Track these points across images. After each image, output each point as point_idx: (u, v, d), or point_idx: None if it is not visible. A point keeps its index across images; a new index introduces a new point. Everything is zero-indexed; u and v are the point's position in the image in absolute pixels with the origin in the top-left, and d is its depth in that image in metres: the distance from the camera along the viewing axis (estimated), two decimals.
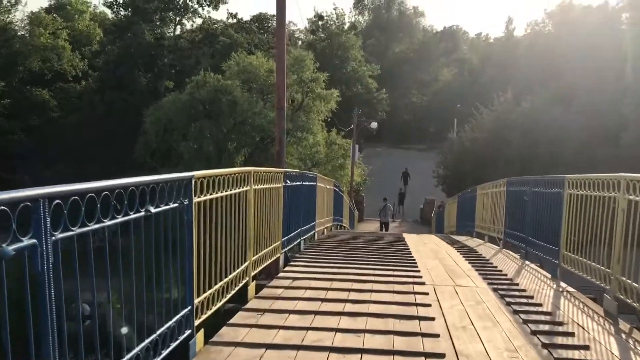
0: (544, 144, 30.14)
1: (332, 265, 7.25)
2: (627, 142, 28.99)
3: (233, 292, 4.84)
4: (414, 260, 7.97)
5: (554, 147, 29.84)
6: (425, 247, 10.17)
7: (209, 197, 4.08)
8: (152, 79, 42.51)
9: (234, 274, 4.84)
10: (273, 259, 6.49)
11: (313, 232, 10.22)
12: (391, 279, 6.43)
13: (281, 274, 6.55)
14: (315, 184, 10.20)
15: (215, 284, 4.28)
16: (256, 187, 5.53)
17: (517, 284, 6.45)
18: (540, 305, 5.43)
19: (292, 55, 27.11)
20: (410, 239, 11.66)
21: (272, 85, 27.90)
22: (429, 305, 5.27)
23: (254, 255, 5.52)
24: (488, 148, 31.54)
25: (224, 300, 4.55)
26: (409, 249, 9.26)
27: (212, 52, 40.50)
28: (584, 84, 33.55)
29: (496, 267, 7.68)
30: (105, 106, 38.45)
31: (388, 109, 54.34)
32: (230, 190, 4.69)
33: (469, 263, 7.92)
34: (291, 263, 7.35)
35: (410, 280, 6.44)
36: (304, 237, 9.15)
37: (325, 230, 12.03)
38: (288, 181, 7.22)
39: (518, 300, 5.57)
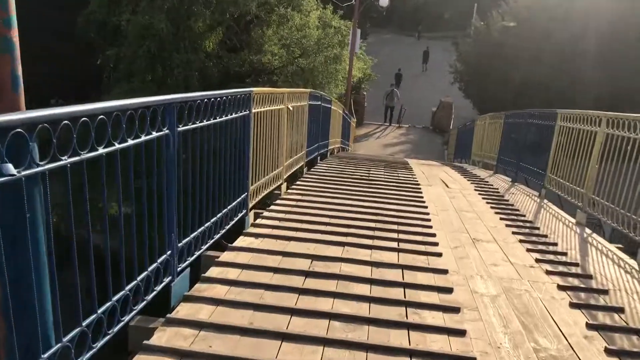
0: (594, 36, 23.74)
1: None
2: None
3: None
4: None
5: (603, 40, 23.48)
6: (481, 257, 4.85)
7: None
8: None
9: None
10: None
11: (244, 212, 4.92)
12: None
13: None
14: (248, 112, 4.67)
15: None
16: None
17: None
18: None
19: None
20: (437, 209, 6.36)
21: None
22: None
23: None
24: (522, 41, 25.10)
25: None
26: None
27: None
28: None
29: None
30: None
31: None
32: None
33: None
34: None
35: None
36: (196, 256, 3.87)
37: (285, 185, 6.69)
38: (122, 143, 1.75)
39: None
